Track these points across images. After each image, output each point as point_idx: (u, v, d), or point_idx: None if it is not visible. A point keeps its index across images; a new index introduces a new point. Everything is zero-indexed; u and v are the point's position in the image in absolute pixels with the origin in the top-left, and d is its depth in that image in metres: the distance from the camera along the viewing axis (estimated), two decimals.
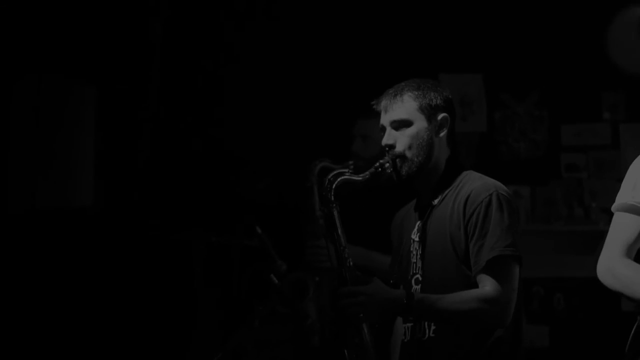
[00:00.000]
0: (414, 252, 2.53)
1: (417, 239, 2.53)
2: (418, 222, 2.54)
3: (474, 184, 2.45)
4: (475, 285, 2.37)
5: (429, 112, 2.51)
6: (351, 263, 2.48)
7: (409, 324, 2.50)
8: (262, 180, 4.16)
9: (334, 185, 2.52)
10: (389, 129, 2.53)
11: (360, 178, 2.52)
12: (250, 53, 4.54)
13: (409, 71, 2.70)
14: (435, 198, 2.50)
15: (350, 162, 3.25)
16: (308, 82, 4.48)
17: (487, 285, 2.33)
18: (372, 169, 2.50)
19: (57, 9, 4.14)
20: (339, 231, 2.52)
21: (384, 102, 2.54)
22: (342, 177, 2.53)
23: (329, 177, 2.54)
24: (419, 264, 2.50)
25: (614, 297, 4.59)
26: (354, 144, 3.39)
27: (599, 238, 2.61)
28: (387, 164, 2.49)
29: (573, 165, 4.73)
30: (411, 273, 2.53)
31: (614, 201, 2.46)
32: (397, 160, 2.49)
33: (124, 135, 4.41)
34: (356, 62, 4.49)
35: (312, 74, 4.49)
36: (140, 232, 3.81)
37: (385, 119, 2.54)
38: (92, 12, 4.25)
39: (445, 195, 2.49)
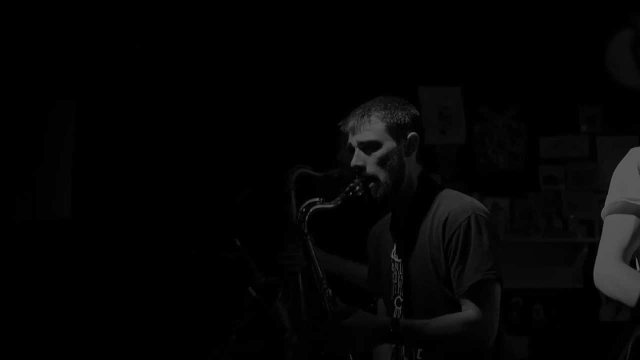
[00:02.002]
0: (395, 273, 2.51)
1: (396, 259, 2.51)
2: (396, 242, 2.53)
3: (452, 205, 2.42)
4: (457, 304, 2.37)
5: (398, 132, 2.47)
6: (330, 293, 2.46)
7: (395, 345, 2.49)
8: (242, 193, 4.15)
9: (306, 217, 2.48)
10: (357, 150, 2.49)
11: (332, 205, 2.47)
12: (231, 64, 4.54)
13: (389, 83, 2.71)
14: (413, 217, 2.49)
15: (335, 170, 3.25)
16: (291, 92, 4.49)
17: (471, 309, 2.33)
18: (344, 194, 2.47)
19: (35, 23, 4.12)
20: (316, 263, 2.49)
21: (351, 123, 2.50)
22: (315, 207, 2.48)
23: (301, 209, 2.49)
24: (400, 285, 2.49)
25: (593, 307, 4.66)
26: (339, 152, 3.39)
27: (578, 249, 2.65)
28: (358, 187, 2.46)
29: (551, 178, 4.77)
30: (393, 294, 2.51)
31: (592, 213, 2.45)
32: (371, 184, 2.46)
33: (102, 148, 4.39)
34: (338, 74, 4.50)
35: (294, 84, 4.50)
36: (119, 246, 3.78)
37: (352, 140, 2.50)
38: (71, 25, 4.24)
39: (423, 214, 2.47)
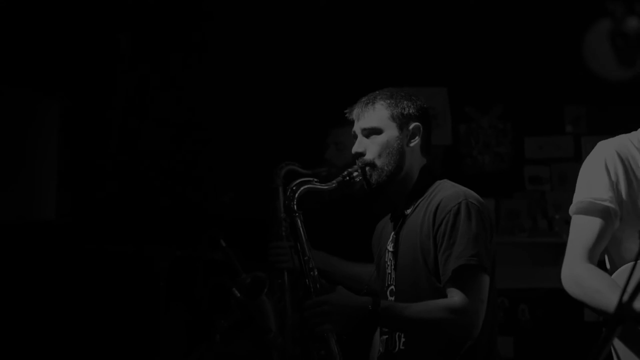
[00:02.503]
0: (389, 263, 2.50)
1: (391, 249, 2.50)
2: (392, 233, 2.52)
3: (445, 192, 2.42)
4: (445, 296, 2.34)
5: (401, 120, 2.48)
6: (315, 273, 2.45)
7: (385, 337, 2.48)
8: (228, 193, 4.14)
9: (296, 194, 2.48)
10: (360, 137, 2.51)
11: (326, 187, 2.48)
12: (218, 65, 4.53)
13: (376, 84, 2.70)
14: (408, 207, 2.48)
15: (323, 169, 3.25)
16: (279, 92, 4.48)
17: (455, 296, 2.31)
18: (340, 178, 2.47)
19: (21, 22, 4.09)
20: (303, 241, 2.48)
21: (356, 110, 2.52)
22: (307, 186, 2.49)
23: (292, 185, 2.50)
24: (393, 275, 2.48)
25: (578, 307, 4.67)
26: (327, 151, 3.39)
27: (563, 250, 2.64)
28: (356, 173, 2.46)
29: (536, 178, 4.78)
30: (386, 284, 2.50)
31: None
32: (367, 168, 2.46)
33: (87, 148, 4.37)
34: (325, 74, 4.50)
35: (282, 84, 4.49)
36: (103, 246, 3.76)
37: (357, 127, 2.52)
38: (58, 24, 4.21)
39: (418, 205, 2.46)
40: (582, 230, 2.29)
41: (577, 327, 4.55)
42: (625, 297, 1.27)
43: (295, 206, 2.49)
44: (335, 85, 4.33)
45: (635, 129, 2.46)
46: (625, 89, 4.42)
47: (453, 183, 2.50)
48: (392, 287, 2.48)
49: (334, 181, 2.48)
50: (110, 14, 4.35)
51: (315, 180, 2.54)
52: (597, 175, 2.30)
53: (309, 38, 4.54)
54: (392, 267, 2.48)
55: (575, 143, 4.76)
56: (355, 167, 2.47)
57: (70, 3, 4.24)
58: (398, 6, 4.61)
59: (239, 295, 2.31)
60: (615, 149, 2.32)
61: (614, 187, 2.26)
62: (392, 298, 2.46)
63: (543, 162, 4.77)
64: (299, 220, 2.50)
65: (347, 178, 2.47)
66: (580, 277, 2.23)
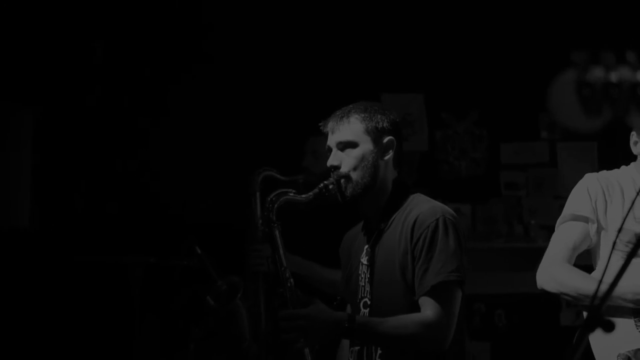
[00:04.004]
0: (362, 276, 2.52)
1: (366, 262, 2.52)
2: (367, 246, 2.54)
3: (422, 207, 2.45)
4: (419, 309, 2.37)
5: (375, 134, 2.52)
6: (292, 283, 2.47)
7: (356, 347, 2.49)
8: (205, 201, 4.12)
9: (275, 205, 2.51)
10: (334, 150, 2.53)
11: (303, 198, 2.52)
12: (194, 71, 4.51)
13: (353, 91, 2.72)
14: (384, 221, 2.51)
15: (300, 176, 3.25)
16: (256, 99, 4.48)
17: (429, 310, 2.35)
18: (317, 190, 2.50)
19: None
20: (280, 252, 2.50)
21: (330, 124, 2.55)
22: (285, 197, 2.52)
23: (272, 196, 2.53)
24: (367, 288, 2.50)
25: (554, 312, 4.70)
26: (304, 159, 3.39)
27: (539, 255, 2.69)
28: (332, 185, 2.49)
29: (512, 184, 4.81)
30: (359, 296, 2.52)
31: (552, 218, 2.61)
32: (342, 180, 2.49)
33: (61, 156, 4.33)
34: (302, 81, 4.50)
35: (259, 91, 4.49)
36: (77, 254, 3.73)
37: (331, 140, 2.54)
38: (31, 34, 4.18)
39: (394, 219, 2.49)
40: (561, 235, 2.62)
41: (553, 332, 4.58)
42: (596, 302, 1.29)
43: (274, 217, 2.52)
44: (313, 93, 4.33)
45: (607, 135, 2.67)
46: None
47: (427, 197, 2.55)
48: (366, 299, 2.50)
49: (311, 193, 2.51)
50: (85, 22, 4.33)
51: (293, 191, 2.56)
52: (580, 196, 2.65)
53: (286, 45, 4.54)
54: (367, 280, 2.50)
55: (550, 149, 4.79)
56: (331, 179, 2.50)
57: (43, 12, 4.21)
58: (375, 14, 4.63)
59: (213, 303, 2.30)
60: (597, 177, 2.68)
61: (594, 205, 2.60)
62: (366, 310, 2.49)
63: (519, 168, 4.80)
64: (277, 231, 2.52)
65: (324, 190, 2.50)
66: (556, 272, 2.53)
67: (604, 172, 2.76)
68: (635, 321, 2.52)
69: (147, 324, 3.67)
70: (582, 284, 2.49)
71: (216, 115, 4.45)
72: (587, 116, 1.16)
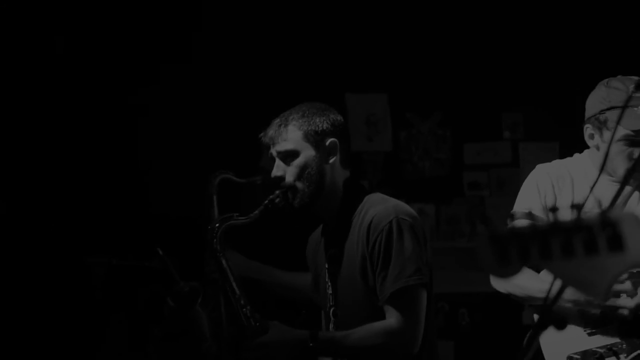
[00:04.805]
0: (329, 284, 2.49)
1: (329, 269, 2.50)
2: (327, 252, 2.51)
3: (376, 209, 2.40)
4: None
5: (315, 139, 2.46)
6: (248, 310, 2.42)
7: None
8: (169, 201, 4.09)
9: (218, 234, 2.45)
10: (277, 161, 2.49)
11: (249, 220, 2.46)
12: (157, 67, 4.47)
13: (316, 90, 2.71)
14: (340, 225, 2.47)
15: (258, 177, 3.23)
16: (216, 97, 4.45)
17: (392, 317, 2.32)
18: (262, 207, 2.45)
19: None
20: (231, 280, 2.46)
21: (270, 134, 2.50)
22: (228, 223, 2.47)
23: (214, 225, 2.47)
24: (334, 296, 2.48)
25: (516, 311, 4.74)
26: (262, 159, 3.37)
27: None
28: (278, 199, 2.45)
29: (475, 184, 4.84)
30: (328, 305, 2.50)
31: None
32: (288, 192, 2.45)
33: (22, 153, 4.27)
34: (264, 80, 4.48)
35: (219, 90, 4.46)
36: (38, 255, 3.68)
37: (273, 150, 2.50)
38: None
39: (351, 222, 2.45)
40: None
41: (515, 330, 4.61)
42: (548, 300, 1.31)
43: (218, 246, 2.46)
44: (272, 91, 4.32)
45: (568, 134, 2.88)
46: (560, 96, 4.51)
47: (383, 196, 2.49)
48: (334, 308, 2.47)
49: (257, 211, 2.46)
50: (43, 18, 4.27)
51: (236, 214, 2.50)
52: (529, 192, 2.69)
53: (247, 43, 4.52)
54: (332, 288, 2.47)
55: (512, 149, 4.83)
56: (277, 192, 2.45)
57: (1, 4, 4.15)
58: (338, 13, 4.63)
59: (172, 304, 2.29)
60: (547, 171, 2.69)
61: (543, 201, 2.62)
62: (335, 319, 2.46)
63: (481, 168, 4.83)
64: (223, 260, 2.47)
65: (270, 206, 2.45)
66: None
67: (556, 163, 2.75)
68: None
69: (112, 324, 3.63)
70: (528, 283, 2.50)
71: (176, 114, 4.42)
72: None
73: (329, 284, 2.49)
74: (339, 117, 2.54)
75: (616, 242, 1.17)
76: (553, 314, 1.29)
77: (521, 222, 2.53)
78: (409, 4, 4.68)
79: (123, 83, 4.44)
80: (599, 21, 4.55)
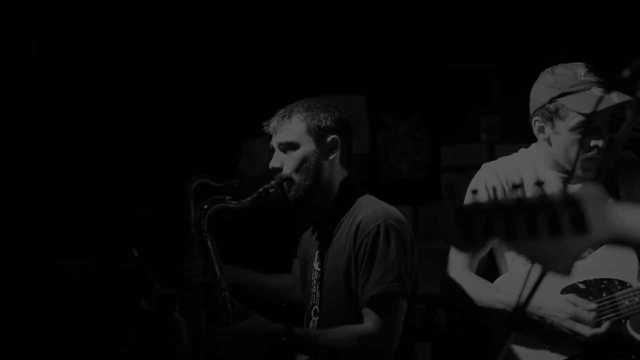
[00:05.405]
0: (314, 282, 2.48)
1: (317, 268, 2.48)
2: (317, 251, 2.49)
3: (366, 211, 2.39)
4: None
5: (318, 134, 2.44)
6: (227, 294, 2.41)
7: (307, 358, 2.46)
8: (144, 203, 4.07)
9: (207, 214, 2.42)
10: (277, 151, 2.47)
11: (240, 205, 2.43)
12: (134, 72, 4.45)
13: (293, 92, 2.69)
14: (332, 225, 2.45)
15: (236, 181, 3.21)
16: (194, 101, 4.44)
17: (370, 322, 2.30)
18: (256, 194, 2.43)
19: None
20: (214, 262, 2.43)
21: (272, 124, 2.48)
22: (218, 205, 2.44)
23: (203, 204, 2.45)
24: (318, 295, 2.46)
25: None
26: (240, 163, 3.36)
27: None
28: (273, 189, 2.42)
29: (452, 185, 4.86)
30: (311, 304, 2.48)
31: None
32: (284, 184, 2.43)
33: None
34: (242, 83, 4.48)
35: (197, 93, 4.45)
36: (10, 257, 3.64)
37: (273, 141, 2.48)
38: None
39: (342, 223, 2.43)
40: None
41: (491, 332, 4.64)
42: (519, 305, 1.31)
43: (205, 226, 2.43)
44: (249, 95, 4.31)
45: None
46: None
47: (375, 199, 2.48)
48: (316, 307, 2.46)
49: (249, 198, 2.44)
50: (18, 22, 4.23)
51: (229, 197, 2.49)
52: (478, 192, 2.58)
53: (223, 45, 4.51)
54: (318, 287, 2.46)
55: (489, 151, 4.85)
56: (273, 182, 2.43)
57: None
58: (315, 14, 4.63)
59: (147, 307, 2.27)
60: (495, 171, 2.63)
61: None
62: (316, 318, 2.45)
63: (459, 170, 4.85)
64: (209, 240, 2.45)
65: (264, 194, 2.43)
66: (457, 282, 2.54)
67: (502, 161, 2.67)
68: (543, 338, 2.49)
69: (85, 328, 3.61)
70: (485, 294, 2.47)
71: (153, 118, 4.40)
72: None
73: (314, 282, 2.48)
74: (344, 116, 2.53)
75: (580, 223, 1.18)
76: (524, 317, 1.30)
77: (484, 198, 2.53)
78: (386, 8, 4.70)
79: (99, 87, 4.42)
80: (576, 21, 4.58)
